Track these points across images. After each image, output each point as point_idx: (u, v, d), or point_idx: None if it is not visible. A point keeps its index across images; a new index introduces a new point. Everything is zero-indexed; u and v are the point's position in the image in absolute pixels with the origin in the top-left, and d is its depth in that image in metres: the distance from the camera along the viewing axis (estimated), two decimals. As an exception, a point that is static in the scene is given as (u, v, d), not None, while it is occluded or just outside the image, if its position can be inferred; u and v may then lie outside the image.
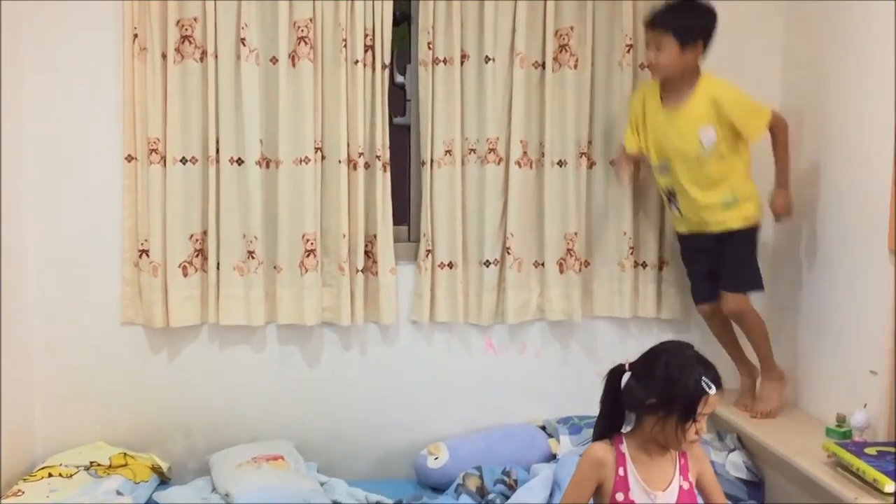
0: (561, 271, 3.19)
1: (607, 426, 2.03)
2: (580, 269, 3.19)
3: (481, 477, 2.84)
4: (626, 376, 1.99)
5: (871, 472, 2.21)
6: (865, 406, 2.59)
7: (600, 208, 3.21)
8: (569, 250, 3.18)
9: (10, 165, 2.83)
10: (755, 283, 2.93)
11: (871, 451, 2.35)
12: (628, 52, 3.11)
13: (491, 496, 2.75)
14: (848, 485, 2.29)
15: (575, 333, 3.30)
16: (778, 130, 2.86)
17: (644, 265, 3.23)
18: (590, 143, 3.18)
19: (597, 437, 2.06)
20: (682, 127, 2.80)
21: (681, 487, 1.99)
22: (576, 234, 3.17)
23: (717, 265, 2.93)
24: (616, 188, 3.17)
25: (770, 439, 2.77)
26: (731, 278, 2.91)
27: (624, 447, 1.99)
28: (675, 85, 2.82)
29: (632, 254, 3.20)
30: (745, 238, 2.89)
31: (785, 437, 2.75)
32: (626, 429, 1.99)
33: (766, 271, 3.04)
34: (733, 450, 2.97)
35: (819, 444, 2.57)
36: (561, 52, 3.12)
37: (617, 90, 3.15)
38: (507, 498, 2.74)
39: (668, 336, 3.27)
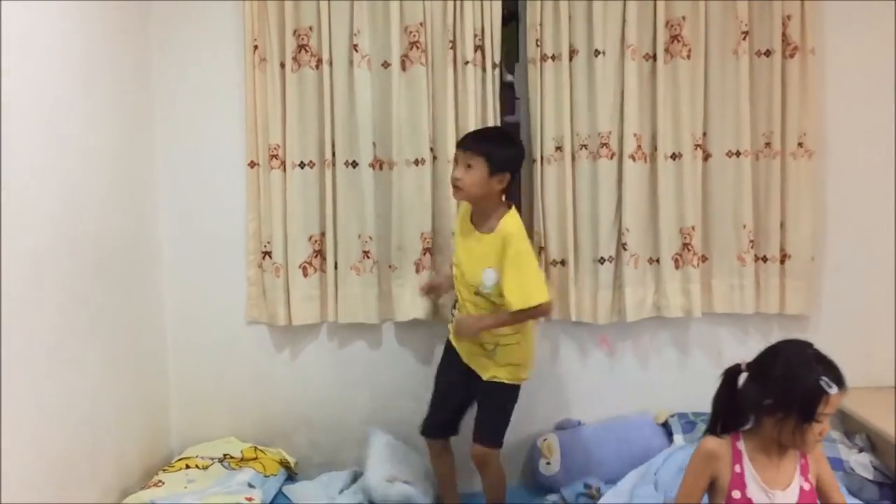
0: (677, 266, 3.13)
1: (722, 425, 1.98)
2: (698, 265, 3.12)
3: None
4: (742, 376, 1.95)
5: None
6: None
7: (718, 201, 3.13)
8: (686, 245, 3.11)
9: (143, 171, 3.02)
10: (498, 440, 2.72)
11: None
12: (744, 39, 3.02)
13: None
14: None
15: (693, 330, 3.22)
16: (531, 317, 2.63)
17: (765, 259, 3.12)
18: (704, 134, 3.11)
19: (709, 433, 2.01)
20: (475, 256, 2.63)
21: (801, 488, 1.93)
22: (693, 228, 3.10)
23: (474, 406, 2.76)
24: (734, 180, 3.08)
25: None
26: (486, 430, 2.71)
27: (741, 444, 1.95)
28: (484, 211, 2.63)
29: (752, 247, 3.10)
30: (506, 394, 2.70)
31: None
32: (745, 427, 1.94)
33: None
34: (862, 450, 2.84)
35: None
36: (673, 42, 3.06)
37: (732, 79, 3.06)
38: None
39: (792, 333, 3.16)
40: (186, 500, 2.55)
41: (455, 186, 2.61)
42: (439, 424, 2.83)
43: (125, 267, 2.84)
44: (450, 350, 2.80)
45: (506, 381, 2.67)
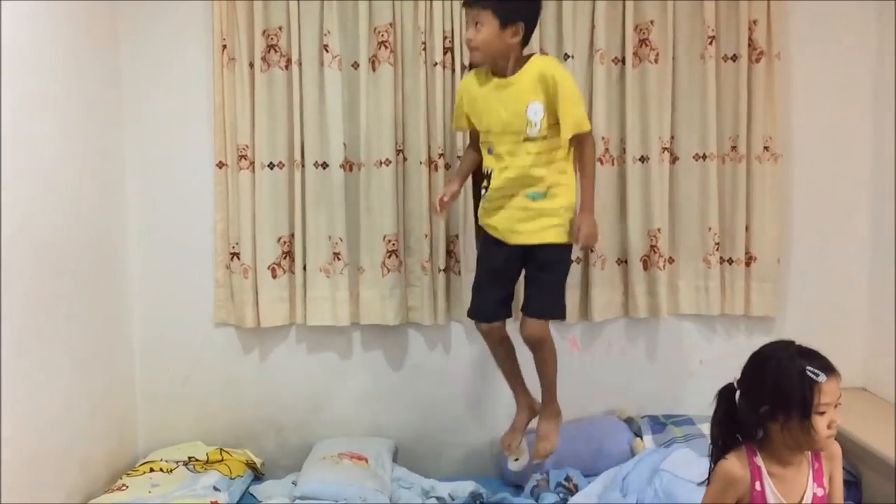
0: (645, 268, 3.16)
1: (723, 447, 1.91)
2: (664, 266, 3.15)
3: (548, 481, 2.86)
4: (738, 395, 1.89)
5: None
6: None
7: (684, 204, 3.16)
8: (653, 247, 3.14)
9: (111, 172, 2.99)
10: (559, 311, 2.64)
11: (977, 450, 2.25)
12: (710, 43, 3.06)
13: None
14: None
15: (660, 331, 3.26)
16: (588, 146, 2.57)
17: (731, 261, 3.16)
18: (672, 137, 3.14)
19: (717, 454, 1.93)
20: (509, 100, 2.51)
21: (815, 495, 1.87)
22: (659, 230, 3.13)
23: (525, 282, 2.65)
24: (701, 183, 3.12)
25: (866, 437, 2.67)
26: (538, 301, 2.59)
27: (759, 459, 1.86)
28: (502, 65, 2.53)
29: (718, 249, 3.14)
30: (560, 257, 2.61)
31: (881, 435, 2.66)
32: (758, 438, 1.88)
33: (867, 262, 2.91)
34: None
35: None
36: (641, 46, 3.09)
37: (699, 83, 3.09)
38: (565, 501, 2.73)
39: (756, 334, 3.22)
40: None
41: (470, 48, 2.51)
42: (493, 303, 2.66)
43: (92, 268, 2.82)
44: (487, 240, 2.66)
45: (560, 242, 2.55)
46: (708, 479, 1.94)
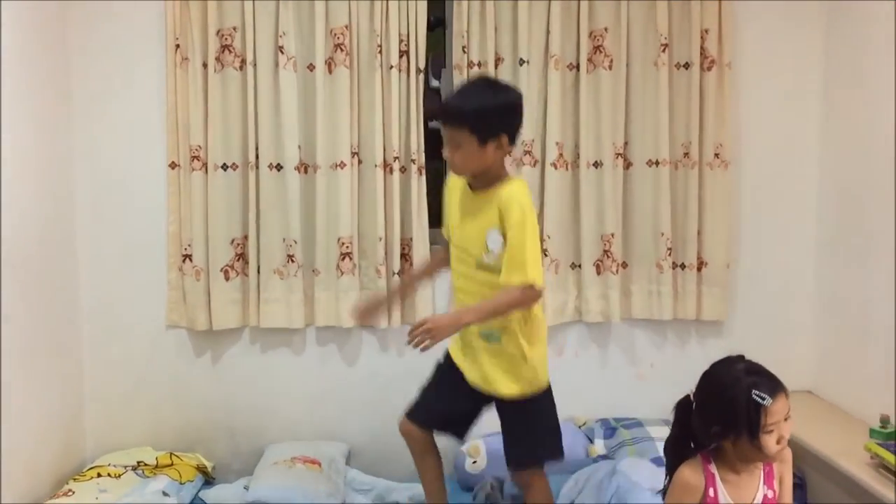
0: (598, 273, 3.19)
1: (679, 455, 1.97)
2: (617, 271, 3.18)
3: (501, 490, 2.85)
4: (693, 408, 1.94)
5: (915, 474, 2.17)
6: (910, 407, 2.55)
7: (637, 209, 3.20)
8: (606, 252, 3.18)
9: (60, 172, 2.94)
10: (537, 457, 2.37)
11: (914, 452, 2.31)
12: (664, 51, 3.10)
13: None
14: (890, 486, 2.26)
15: (613, 335, 3.29)
16: (518, 299, 2.19)
17: (683, 266, 3.21)
18: (626, 143, 3.17)
19: (672, 462, 1.99)
20: (476, 220, 2.28)
21: (765, 496, 1.94)
22: (613, 235, 3.16)
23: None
24: (654, 189, 3.16)
25: (812, 440, 2.73)
26: (511, 450, 2.37)
27: (712, 467, 1.92)
28: (482, 180, 2.28)
29: (670, 254, 3.18)
30: (526, 406, 2.31)
31: (827, 438, 2.71)
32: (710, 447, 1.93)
33: (813, 267, 2.99)
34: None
35: (861, 446, 2.54)
36: (595, 53, 3.12)
37: (652, 90, 3.13)
38: None
39: (707, 338, 3.28)
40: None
41: (450, 167, 2.29)
42: (436, 414, 2.44)
43: (40, 269, 2.77)
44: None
45: (511, 396, 2.28)
46: (664, 489, 2.00)
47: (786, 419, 1.84)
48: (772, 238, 3.29)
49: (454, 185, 2.41)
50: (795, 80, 3.24)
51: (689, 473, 1.92)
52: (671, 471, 1.98)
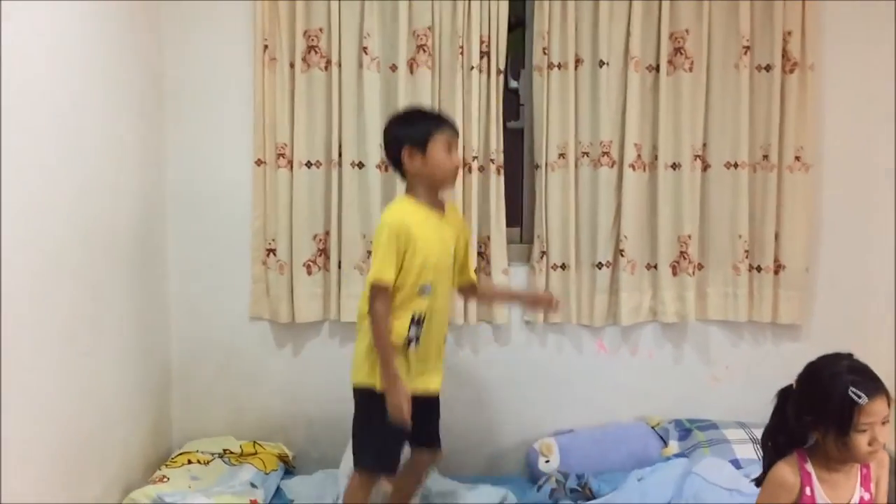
0: (674, 274, 3.20)
1: (780, 445, 2.00)
2: (694, 272, 3.19)
3: (564, 485, 2.88)
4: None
5: None
6: None
7: (715, 211, 3.20)
8: (682, 253, 3.18)
9: (153, 168, 3.05)
10: (361, 457, 2.52)
11: None
12: (745, 53, 3.09)
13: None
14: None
15: (688, 336, 3.30)
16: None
17: (759, 269, 3.20)
18: (704, 145, 3.18)
19: (770, 456, 2.02)
20: (446, 235, 2.48)
21: (861, 499, 1.95)
22: (690, 236, 3.17)
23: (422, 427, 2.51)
24: (732, 191, 3.16)
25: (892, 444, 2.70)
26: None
27: (809, 466, 1.95)
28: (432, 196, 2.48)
29: (747, 257, 3.18)
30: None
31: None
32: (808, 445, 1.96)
33: (892, 271, 3.04)
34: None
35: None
36: (676, 54, 3.12)
37: (732, 92, 3.13)
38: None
39: (783, 342, 3.27)
40: (194, 500, 2.57)
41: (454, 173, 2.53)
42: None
43: (134, 261, 2.87)
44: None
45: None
46: (758, 481, 2.03)
47: (883, 423, 1.85)
48: (851, 242, 3.26)
49: (414, 210, 2.45)
50: (879, 83, 3.20)
51: (787, 470, 1.94)
52: (767, 465, 2.01)
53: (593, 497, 2.77)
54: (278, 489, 2.96)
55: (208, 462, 2.91)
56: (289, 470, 3.13)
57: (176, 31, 3.10)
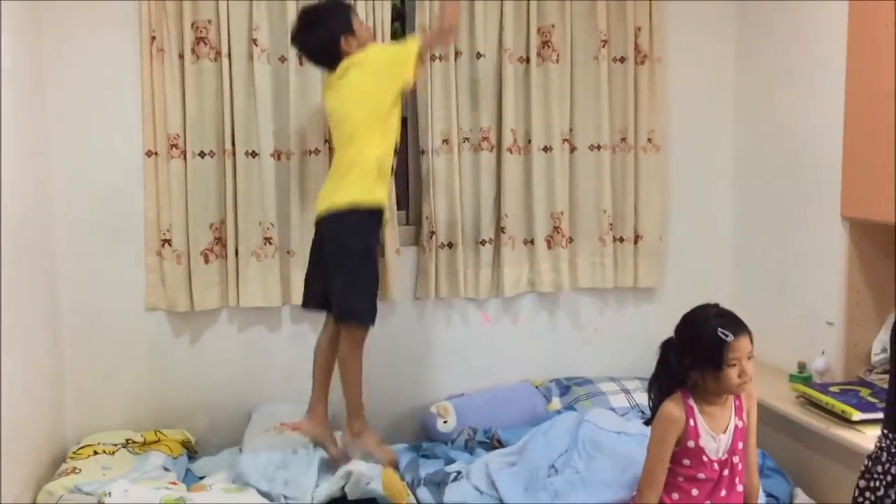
0: (549, 247, 3.51)
1: (664, 388, 2.30)
2: (566, 245, 3.52)
3: (474, 438, 3.16)
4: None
5: (839, 406, 2.60)
6: (823, 353, 3.02)
7: (582, 189, 3.53)
8: (556, 228, 3.50)
9: (37, 162, 2.98)
10: (356, 313, 2.78)
11: (834, 388, 2.75)
12: (603, 47, 3.44)
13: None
14: (818, 418, 2.68)
15: (560, 304, 3.63)
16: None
17: (622, 239, 3.58)
18: (571, 130, 3.50)
19: (656, 399, 2.32)
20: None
21: (736, 426, 2.28)
22: (562, 213, 3.49)
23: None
24: (596, 171, 3.51)
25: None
26: (334, 297, 2.80)
27: (691, 401, 2.26)
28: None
29: (611, 229, 3.54)
30: (342, 228, 2.75)
31: (755, 384, 3.13)
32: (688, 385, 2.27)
33: (731, 237, 3.44)
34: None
35: (786, 389, 2.97)
36: (544, 47, 3.42)
37: (593, 81, 3.47)
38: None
39: (643, 304, 3.67)
40: (118, 486, 2.56)
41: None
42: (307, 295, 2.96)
43: (21, 256, 2.78)
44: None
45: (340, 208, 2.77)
46: (647, 421, 2.35)
47: (749, 357, 2.21)
48: (695, 212, 3.71)
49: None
50: (714, 74, 3.66)
51: (673, 407, 2.27)
52: (655, 407, 2.32)
53: (502, 447, 3.03)
54: (188, 472, 3.00)
55: (114, 452, 2.91)
56: (191, 455, 3.16)
57: (56, 21, 3.05)
